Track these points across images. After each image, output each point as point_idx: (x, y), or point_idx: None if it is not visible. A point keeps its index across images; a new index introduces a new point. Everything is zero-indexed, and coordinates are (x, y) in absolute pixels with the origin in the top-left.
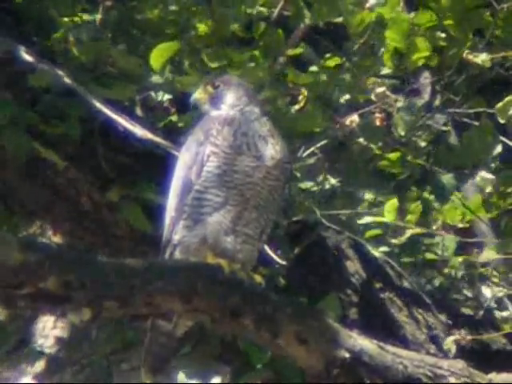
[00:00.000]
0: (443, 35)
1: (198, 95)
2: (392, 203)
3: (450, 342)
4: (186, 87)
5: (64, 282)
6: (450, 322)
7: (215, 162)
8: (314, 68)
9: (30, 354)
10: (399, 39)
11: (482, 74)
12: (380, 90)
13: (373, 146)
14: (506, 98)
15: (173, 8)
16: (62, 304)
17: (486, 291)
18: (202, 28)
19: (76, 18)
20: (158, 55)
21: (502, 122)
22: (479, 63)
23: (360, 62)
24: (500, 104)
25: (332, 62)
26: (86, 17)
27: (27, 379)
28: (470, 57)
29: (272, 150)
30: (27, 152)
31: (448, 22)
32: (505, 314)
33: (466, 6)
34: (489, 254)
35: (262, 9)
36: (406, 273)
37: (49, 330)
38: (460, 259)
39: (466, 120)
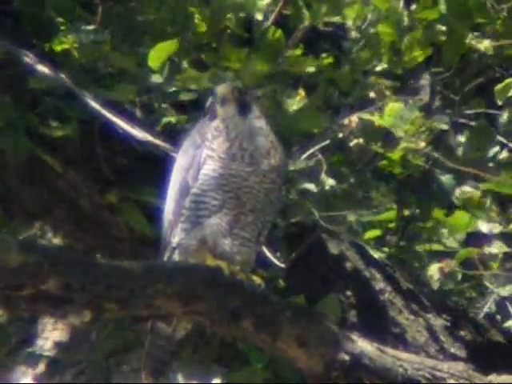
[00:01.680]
0: (443, 28)
1: (226, 92)
2: (394, 106)
3: (433, 269)
4: (186, 83)
5: (64, 284)
6: (450, 323)
7: (211, 165)
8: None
9: (30, 356)
10: (393, 33)
11: (481, 73)
12: (379, 88)
13: (373, 145)
14: (506, 80)
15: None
16: (62, 306)
17: (483, 226)
18: (200, 25)
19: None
20: (157, 55)
21: (499, 103)
22: (482, 49)
23: (358, 55)
24: (499, 85)
25: (328, 61)
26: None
27: (27, 381)
28: (473, 42)
29: (271, 159)
30: (27, 154)
31: (447, 14)
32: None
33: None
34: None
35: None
36: (406, 274)
37: (49, 332)
38: (466, 251)
39: (464, 121)
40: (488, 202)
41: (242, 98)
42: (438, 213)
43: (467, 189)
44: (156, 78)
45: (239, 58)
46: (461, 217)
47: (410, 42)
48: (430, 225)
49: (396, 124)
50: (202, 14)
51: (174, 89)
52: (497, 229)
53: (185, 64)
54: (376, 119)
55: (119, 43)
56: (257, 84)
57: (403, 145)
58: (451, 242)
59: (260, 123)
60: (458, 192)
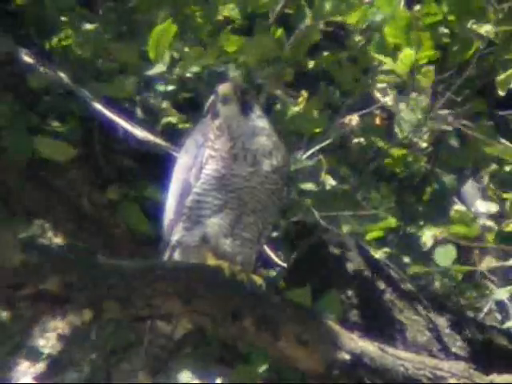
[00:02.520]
0: (446, 31)
1: (228, 91)
2: (408, 53)
3: (427, 235)
4: (189, 63)
5: (64, 283)
6: (451, 323)
7: (213, 165)
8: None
9: (30, 355)
10: (398, 34)
11: (483, 74)
12: (380, 88)
13: (376, 142)
14: (509, 71)
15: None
16: (62, 305)
17: (481, 206)
18: (200, 21)
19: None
20: (156, 40)
21: (501, 93)
22: (483, 33)
23: (361, 51)
24: (502, 76)
25: (330, 60)
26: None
27: (28, 380)
28: (475, 27)
29: (274, 159)
30: (28, 153)
31: (451, 17)
32: None
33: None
34: (489, 262)
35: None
36: (407, 274)
37: (49, 331)
38: (459, 268)
39: (466, 121)
40: (486, 179)
41: (244, 97)
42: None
43: (460, 207)
44: (159, 68)
45: (238, 45)
46: (457, 231)
47: (416, 43)
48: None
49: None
50: (201, 10)
51: (173, 87)
52: (494, 208)
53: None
54: (391, 65)
55: (119, 38)
56: (259, 65)
57: (431, 125)
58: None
59: (262, 123)
60: (453, 211)
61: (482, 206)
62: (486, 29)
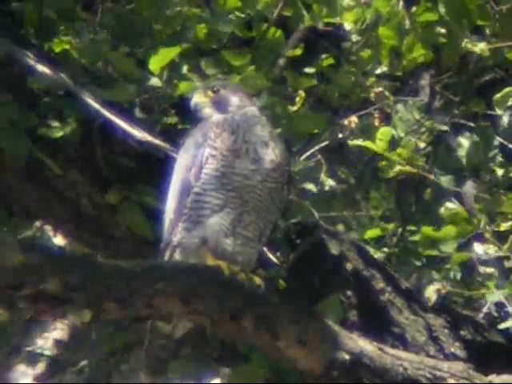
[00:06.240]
0: (443, 30)
1: (199, 99)
2: (385, 131)
3: (430, 291)
4: (186, 92)
5: (64, 284)
6: (449, 323)
7: (214, 164)
8: (311, 70)
9: (30, 356)
10: (393, 36)
11: (482, 75)
12: (378, 90)
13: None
14: (505, 89)
15: (168, 12)
16: (62, 305)
17: (478, 248)
18: (200, 30)
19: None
20: (158, 60)
21: (499, 112)
22: (478, 52)
23: (358, 56)
24: (498, 95)
25: (327, 62)
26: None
27: (27, 381)
28: (469, 46)
29: (272, 154)
30: (27, 154)
31: (447, 17)
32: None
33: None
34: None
35: (261, 8)
36: (406, 274)
37: (49, 332)
38: (460, 255)
39: (464, 121)
40: (482, 222)
41: (239, 90)
42: (426, 229)
43: (451, 205)
44: (155, 82)
45: (240, 65)
46: (449, 231)
47: (410, 43)
48: (420, 238)
49: (387, 150)
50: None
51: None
52: (492, 250)
53: (184, 69)
54: (368, 144)
55: (118, 44)
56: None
57: (397, 168)
58: (446, 248)
59: (257, 112)
60: (443, 209)
61: (480, 248)
62: (481, 47)
